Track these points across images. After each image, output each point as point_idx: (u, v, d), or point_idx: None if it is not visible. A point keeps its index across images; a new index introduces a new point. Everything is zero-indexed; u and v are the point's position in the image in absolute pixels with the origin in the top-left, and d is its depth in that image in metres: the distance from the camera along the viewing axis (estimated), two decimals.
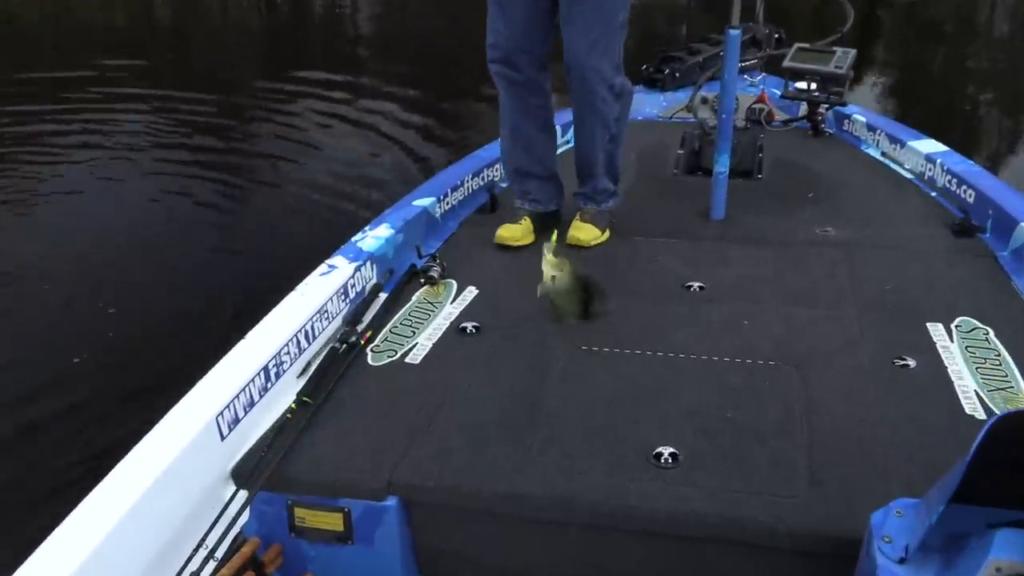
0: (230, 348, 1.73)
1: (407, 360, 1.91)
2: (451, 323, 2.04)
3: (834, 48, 3.11)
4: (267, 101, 5.51)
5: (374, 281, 2.22)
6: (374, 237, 2.30)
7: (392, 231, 2.34)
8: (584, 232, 2.41)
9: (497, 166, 2.90)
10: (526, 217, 2.49)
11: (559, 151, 2.64)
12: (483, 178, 2.84)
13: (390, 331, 2.03)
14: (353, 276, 2.12)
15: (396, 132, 5.01)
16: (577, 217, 2.46)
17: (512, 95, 2.40)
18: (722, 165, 2.60)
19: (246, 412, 1.68)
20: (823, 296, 2.13)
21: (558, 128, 2.51)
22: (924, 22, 8.43)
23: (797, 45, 3.16)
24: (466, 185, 2.75)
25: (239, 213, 3.99)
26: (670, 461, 1.55)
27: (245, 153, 4.72)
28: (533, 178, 2.51)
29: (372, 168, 4.46)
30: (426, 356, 1.92)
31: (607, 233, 2.46)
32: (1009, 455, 1.08)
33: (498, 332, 2.00)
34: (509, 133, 2.48)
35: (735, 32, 2.47)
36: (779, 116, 3.39)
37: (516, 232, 2.45)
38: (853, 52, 3.08)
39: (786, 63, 3.13)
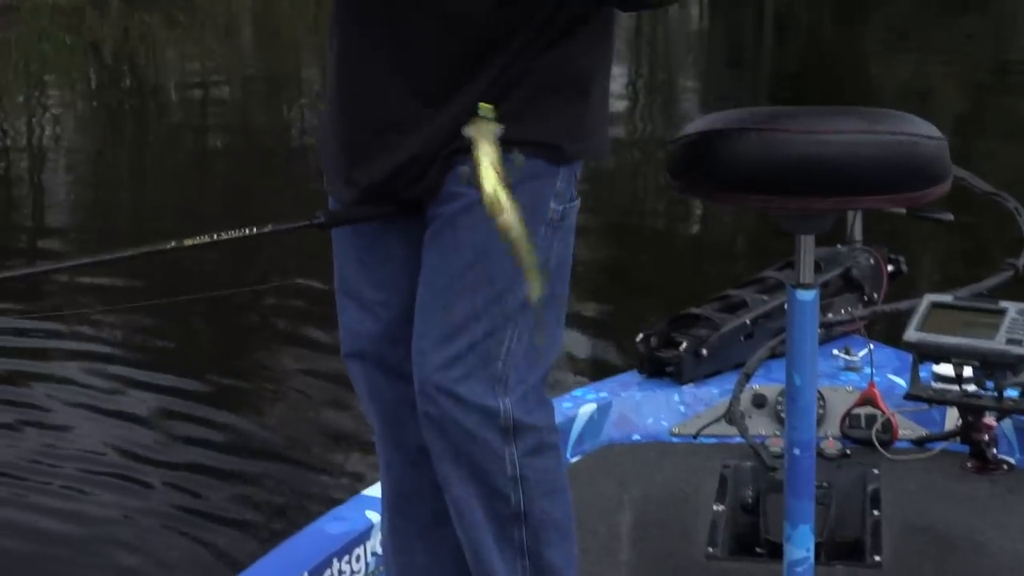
0: None
1: None
2: None
3: (1000, 304, 3.12)
4: None
5: None
6: None
7: None
8: None
9: (360, 553, 2.84)
10: None
11: None
12: None
13: None
14: None
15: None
16: None
17: (397, 440, 2.48)
18: (801, 541, 2.53)
19: None
20: None
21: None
22: None
23: (930, 298, 3.15)
24: None
25: None
26: None
27: None
28: None
29: None
30: None
31: None
32: None
33: None
34: (394, 531, 2.54)
35: (806, 296, 2.45)
36: (906, 431, 3.34)
37: None
38: None
39: (911, 333, 3.10)
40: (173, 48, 15.40)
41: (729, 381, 3.38)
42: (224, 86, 13.34)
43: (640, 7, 2.30)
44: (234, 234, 2.16)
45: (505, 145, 2.16)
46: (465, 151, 2.10)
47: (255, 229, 2.18)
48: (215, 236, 2.15)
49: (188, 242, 2.13)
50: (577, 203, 2.35)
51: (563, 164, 2.29)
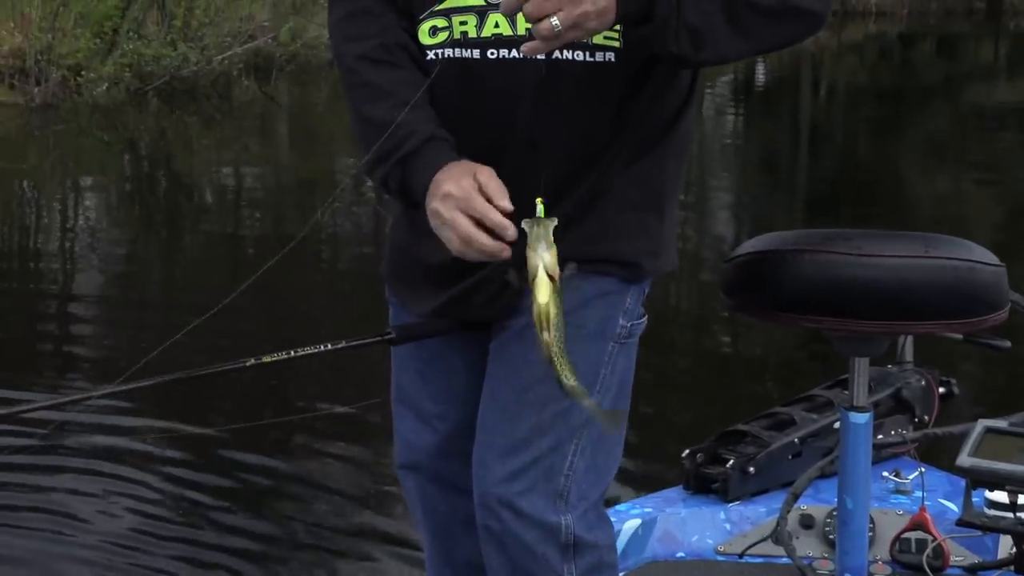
0: None
1: None
2: None
3: None
4: None
5: None
6: None
7: None
8: None
9: None
10: None
11: None
12: None
13: None
14: None
15: None
16: None
17: (447, 555, 2.50)
18: None
19: None
20: None
21: None
22: None
23: (984, 423, 3.07)
24: None
25: None
26: None
27: None
28: None
29: None
30: None
31: None
32: None
33: None
34: None
35: (859, 418, 2.45)
36: (958, 557, 3.26)
37: None
38: None
39: (965, 458, 3.01)
40: (209, 146, 15.53)
41: (776, 500, 3.32)
42: (258, 185, 13.42)
43: (684, 64, 2.25)
44: (310, 350, 2.20)
45: (589, 263, 2.17)
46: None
47: (329, 345, 2.21)
48: (291, 352, 2.18)
49: (267, 359, 2.17)
50: (644, 321, 2.33)
51: (635, 282, 2.29)
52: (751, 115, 19.27)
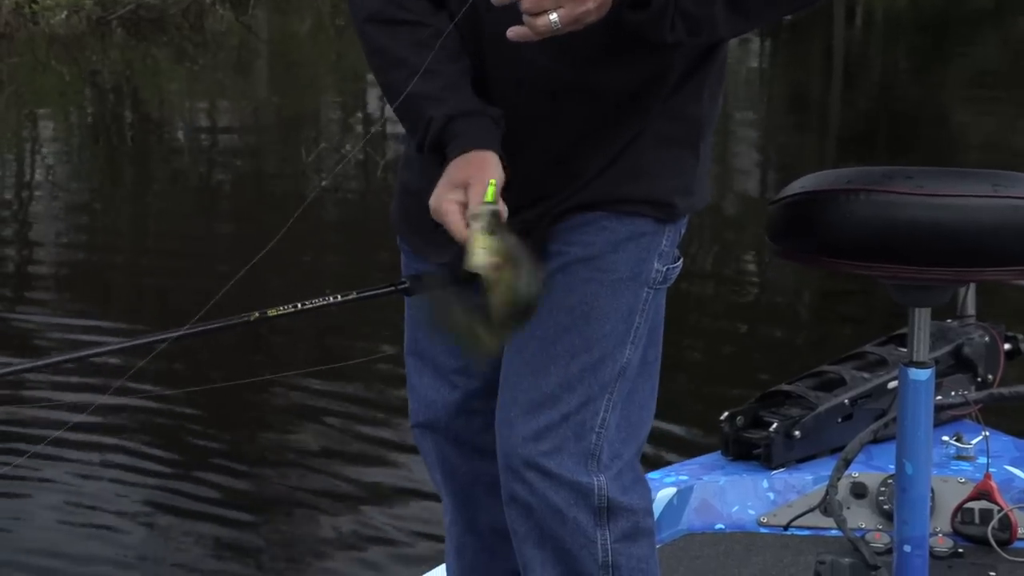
0: None
1: None
2: None
3: None
4: None
5: None
6: None
7: None
8: None
9: None
10: None
11: None
12: None
13: None
14: None
15: None
16: None
17: (470, 521, 2.53)
18: None
19: None
20: None
21: None
22: None
23: None
24: None
25: None
26: None
27: None
28: None
29: None
30: None
31: None
32: None
33: None
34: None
35: (920, 375, 2.44)
36: None
37: None
38: None
39: None
40: (180, 82, 15.50)
41: (824, 467, 3.34)
42: (235, 126, 13.41)
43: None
44: (318, 302, 2.20)
45: (620, 204, 2.17)
46: (576, 210, 2.11)
47: (339, 296, 2.22)
48: (299, 305, 2.19)
49: (272, 312, 2.17)
50: (680, 264, 2.34)
51: (669, 222, 2.29)
52: (778, 46, 19.21)
